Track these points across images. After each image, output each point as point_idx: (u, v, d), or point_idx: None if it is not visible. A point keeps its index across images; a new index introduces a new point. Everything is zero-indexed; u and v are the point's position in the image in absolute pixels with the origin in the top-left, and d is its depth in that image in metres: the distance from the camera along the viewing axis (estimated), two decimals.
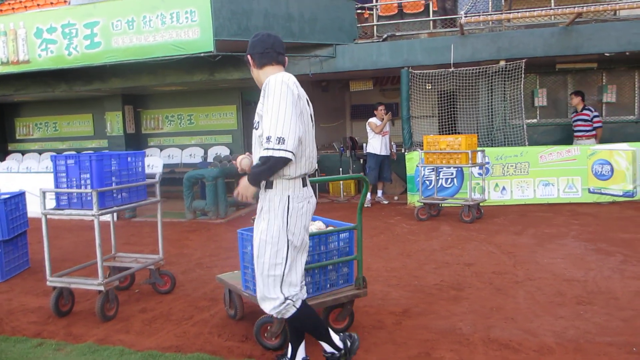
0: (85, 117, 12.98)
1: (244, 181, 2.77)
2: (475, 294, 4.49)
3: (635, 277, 4.76)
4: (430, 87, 12.29)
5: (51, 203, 4.29)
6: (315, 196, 3.05)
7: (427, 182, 8.93)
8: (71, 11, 8.80)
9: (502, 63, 8.68)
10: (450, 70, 8.82)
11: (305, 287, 3.03)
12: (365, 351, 3.45)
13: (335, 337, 3.06)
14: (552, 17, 8.27)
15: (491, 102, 9.46)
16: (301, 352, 3.14)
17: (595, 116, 8.78)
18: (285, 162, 2.67)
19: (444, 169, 8.57)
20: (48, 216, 4.20)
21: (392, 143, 9.47)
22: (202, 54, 8.15)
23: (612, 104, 9.68)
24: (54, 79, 10.27)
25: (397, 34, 9.38)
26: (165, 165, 10.52)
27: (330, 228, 3.76)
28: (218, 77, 9.56)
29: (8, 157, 12.95)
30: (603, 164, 8.25)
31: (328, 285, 3.73)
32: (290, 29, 8.70)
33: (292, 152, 2.65)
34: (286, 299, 2.85)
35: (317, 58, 9.31)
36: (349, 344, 3.07)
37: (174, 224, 8.31)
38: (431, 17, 9.51)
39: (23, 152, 13.36)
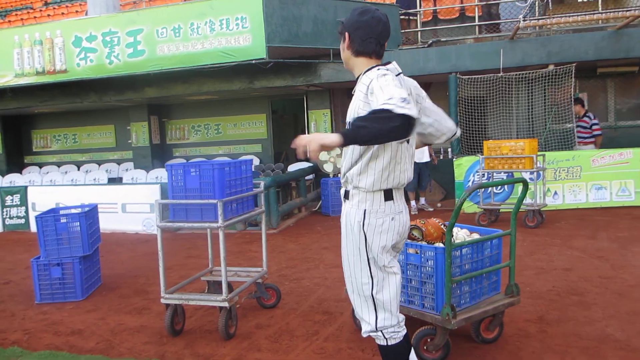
0: (107, 128, 12.64)
1: (326, 134, 2.17)
2: (600, 299, 4.36)
3: None
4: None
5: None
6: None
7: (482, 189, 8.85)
8: (113, 19, 8.54)
9: (551, 67, 8.66)
10: (499, 75, 8.76)
11: (403, 323, 2.56)
12: None
13: None
14: (602, 20, 8.30)
15: (531, 106, 9.44)
16: None
17: (594, 124, 8.97)
18: (407, 125, 2.05)
19: (495, 174, 8.49)
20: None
21: (432, 149, 9.35)
22: (254, 61, 7.96)
23: None
24: (84, 89, 9.96)
25: (442, 39, 9.30)
26: None
27: (485, 236, 3.60)
28: (258, 85, 9.38)
29: (25, 170, 12.51)
30: None
31: (482, 294, 3.57)
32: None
33: (417, 118, 2.09)
34: (377, 329, 2.50)
35: None
36: None
37: (227, 236, 8.02)
38: (477, 22, 9.45)
39: (40, 165, 12.93)
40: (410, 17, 9.79)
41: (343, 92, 10.91)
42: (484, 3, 9.36)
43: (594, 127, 8.93)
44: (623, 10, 7.96)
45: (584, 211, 8.33)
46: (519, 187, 7.64)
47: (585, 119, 8.99)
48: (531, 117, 9.48)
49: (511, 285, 3.64)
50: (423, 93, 2.64)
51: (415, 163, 8.92)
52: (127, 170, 11.40)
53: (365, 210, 2.45)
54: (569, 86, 8.70)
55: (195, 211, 3.95)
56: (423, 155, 8.95)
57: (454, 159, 8.99)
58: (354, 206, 2.48)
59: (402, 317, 2.56)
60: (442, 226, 3.60)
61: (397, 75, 2.40)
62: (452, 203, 9.15)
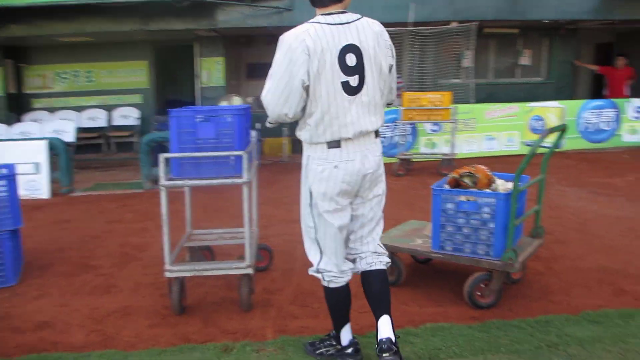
0: None
1: None
2: (574, 238, 4.71)
3: None
4: None
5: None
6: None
7: (382, 139, 9.05)
8: None
9: (454, 24, 9.07)
10: (409, 29, 8.92)
11: (348, 272, 2.65)
12: (566, 294, 3.47)
13: (346, 335, 2.71)
14: None
15: (437, 61, 9.81)
16: (347, 333, 2.72)
17: None
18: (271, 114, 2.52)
19: (401, 126, 8.74)
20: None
21: None
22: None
23: (527, 67, 10.85)
24: None
25: None
26: (82, 129, 8.86)
27: (526, 183, 3.62)
28: (154, 27, 8.29)
29: None
30: (538, 119, 9.26)
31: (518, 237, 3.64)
32: None
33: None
34: (319, 270, 2.64)
35: (274, 9, 8.61)
36: (350, 349, 2.69)
37: (136, 196, 7.11)
38: None
39: None
40: None
41: (238, 39, 10.22)
42: None
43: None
44: None
45: (478, 160, 9.00)
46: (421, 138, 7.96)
47: None
48: (437, 72, 9.87)
49: (537, 227, 3.77)
50: (388, 44, 2.54)
51: None
52: None
53: (308, 156, 2.54)
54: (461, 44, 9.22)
55: (209, 165, 3.34)
56: None
57: None
58: (303, 152, 2.59)
59: (347, 266, 2.65)
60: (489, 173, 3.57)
61: (332, 25, 2.37)
62: None
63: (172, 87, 11.83)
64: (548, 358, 2.70)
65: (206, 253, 4.11)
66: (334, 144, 2.45)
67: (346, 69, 2.38)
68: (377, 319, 2.56)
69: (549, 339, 2.89)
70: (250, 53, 12.35)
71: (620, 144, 9.49)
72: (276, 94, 2.42)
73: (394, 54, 2.56)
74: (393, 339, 2.49)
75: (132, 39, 9.95)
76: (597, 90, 11.38)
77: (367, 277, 2.64)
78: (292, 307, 3.51)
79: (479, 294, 3.36)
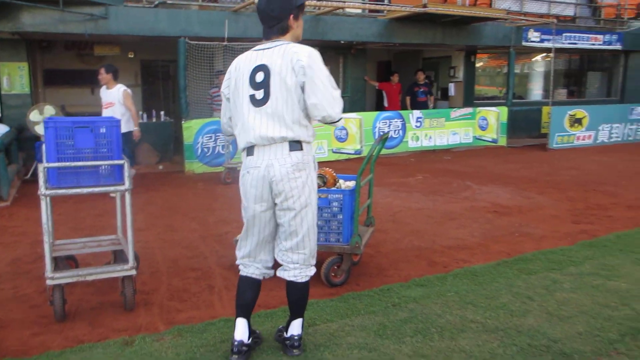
0: None
1: None
2: (390, 227, 5.77)
3: (449, 201, 7.01)
4: (132, 56, 12.37)
5: None
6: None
7: (206, 150, 9.46)
8: None
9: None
10: (224, 43, 9.44)
11: (259, 267, 2.95)
12: (396, 269, 4.43)
13: (238, 331, 2.91)
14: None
15: None
16: (238, 330, 2.91)
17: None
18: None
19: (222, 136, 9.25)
20: None
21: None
22: None
23: None
24: None
25: (168, 1, 9.27)
26: None
27: (363, 180, 4.44)
28: None
29: None
30: (342, 129, 10.58)
31: None
32: None
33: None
34: (237, 260, 3.02)
35: (90, 17, 8.34)
36: (246, 339, 2.91)
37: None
38: None
39: None
40: None
41: (40, 43, 9.52)
42: None
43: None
44: (321, 1, 9.76)
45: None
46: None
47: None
48: None
49: (370, 217, 4.68)
50: (300, 64, 2.69)
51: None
52: None
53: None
54: None
55: (90, 174, 3.47)
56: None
57: (183, 122, 9.27)
58: None
59: (261, 263, 2.95)
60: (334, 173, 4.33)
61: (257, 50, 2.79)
62: (181, 164, 9.45)
63: None
64: (395, 313, 3.52)
65: (70, 262, 4.11)
66: (249, 151, 2.80)
67: (254, 85, 2.75)
68: (290, 320, 3.00)
69: (392, 300, 3.73)
70: (48, 59, 11.56)
71: (407, 149, 11.39)
72: (222, 106, 3.05)
73: (307, 72, 2.68)
74: (302, 336, 2.97)
75: None
76: (380, 102, 13.37)
77: (288, 287, 2.94)
78: (173, 302, 3.80)
79: (333, 274, 4.08)
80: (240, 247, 2.98)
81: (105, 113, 7.39)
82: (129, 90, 7.52)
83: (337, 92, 2.78)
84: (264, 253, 2.95)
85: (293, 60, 2.67)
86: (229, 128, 3.04)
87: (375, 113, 11.22)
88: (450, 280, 4.11)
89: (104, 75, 7.42)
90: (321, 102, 2.70)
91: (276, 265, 2.99)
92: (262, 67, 2.73)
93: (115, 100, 7.39)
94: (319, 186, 4.16)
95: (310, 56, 2.71)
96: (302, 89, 2.70)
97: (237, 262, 3.01)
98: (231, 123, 2.98)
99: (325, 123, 2.82)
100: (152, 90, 12.95)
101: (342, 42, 11.15)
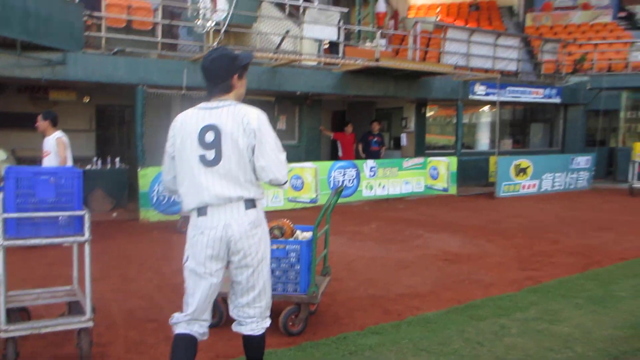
0: None
1: None
2: (345, 276, 5.89)
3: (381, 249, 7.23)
4: (87, 100, 12.34)
5: None
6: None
7: (162, 198, 9.41)
8: None
9: None
10: (182, 92, 9.58)
11: (203, 324, 2.94)
12: (351, 317, 4.53)
13: None
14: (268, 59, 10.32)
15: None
16: None
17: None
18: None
19: None
20: None
21: None
22: None
23: (282, 131, 12.46)
24: None
25: (127, 49, 9.38)
26: None
27: (322, 231, 4.58)
28: None
29: None
30: (297, 178, 10.77)
31: None
32: (27, 26, 7.61)
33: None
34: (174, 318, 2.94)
35: (48, 62, 8.34)
36: None
37: None
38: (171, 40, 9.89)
39: None
40: (95, 22, 9.45)
41: None
42: (168, 22, 10.01)
43: None
44: (277, 53, 10.12)
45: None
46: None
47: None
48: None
49: (326, 267, 4.80)
50: (250, 127, 2.77)
51: None
52: None
53: (190, 220, 2.88)
54: None
55: (49, 225, 3.47)
56: None
57: (139, 170, 9.23)
58: None
59: (198, 324, 2.92)
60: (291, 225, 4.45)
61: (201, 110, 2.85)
62: (136, 212, 9.34)
63: None
64: None
65: (23, 314, 4.01)
66: (201, 211, 2.77)
67: (204, 145, 2.77)
68: None
69: (349, 349, 3.83)
70: None
71: (362, 198, 11.65)
72: (164, 163, 2.99)
73: (257, 135, 2.76)
74: None
75: None
76: (334, 152, 13.71)
77: (246, 341, 2.99)
78: (130, 355, 3.78)
79: (291, 323, 4.15)
80: (188, 305, 2.89)
81: (44, 163, 6.96)
82: (64, 138, 7.05)
83: (283, 156, 2.86)
84: (207, 312, 2.94)
85: (244, 122, 2.75)
86: (173, 186, 3.00)
87: (331, 162, 11.49)
88: (405, 327, 4.25)
89: (40, 123, 7.01)
90: (269, 165, 2.78)
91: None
92: (212, 127, 2.77)
93: (51, 149, 6.96)
94: (277, 237, 4.28)
95: (259, 119, 2.79)
96: (252, 151, 2.77)
97: (174, 321, 2.92)
98: (175, 181, 2.95)
99: (272, 185, 2.91)
100: (107, 136, 12.84)
101: (298, 92, 11.50)
